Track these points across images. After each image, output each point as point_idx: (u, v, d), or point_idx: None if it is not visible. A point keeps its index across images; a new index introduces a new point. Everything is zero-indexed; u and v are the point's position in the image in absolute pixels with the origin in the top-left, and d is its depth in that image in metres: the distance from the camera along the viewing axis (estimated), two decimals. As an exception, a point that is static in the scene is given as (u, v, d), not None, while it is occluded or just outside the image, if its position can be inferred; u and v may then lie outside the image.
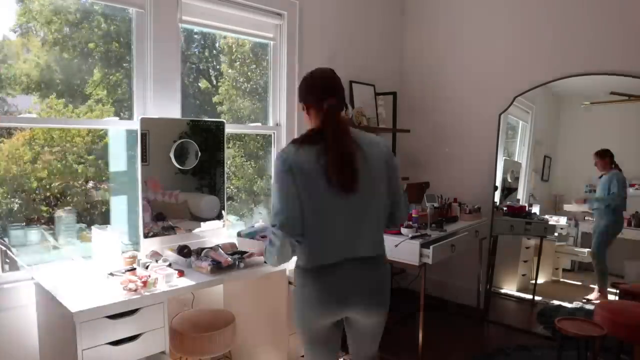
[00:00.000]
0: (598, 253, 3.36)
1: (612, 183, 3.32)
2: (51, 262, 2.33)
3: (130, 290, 1.91)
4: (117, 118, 2.64)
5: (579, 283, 3.50)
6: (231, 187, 3.26)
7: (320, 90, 1.68)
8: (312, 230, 1.64)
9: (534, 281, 3.64)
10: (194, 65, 3.16)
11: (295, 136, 3.32)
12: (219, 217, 2.83)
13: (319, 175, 1.59)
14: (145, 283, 1.95)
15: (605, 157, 3.35)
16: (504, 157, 3.73)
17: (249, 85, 3.35)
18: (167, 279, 2.06)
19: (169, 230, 2.60)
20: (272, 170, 2.23)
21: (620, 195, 3.30)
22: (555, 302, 3.49)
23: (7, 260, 2.24)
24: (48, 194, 2.49)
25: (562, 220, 3.49)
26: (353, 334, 1.86)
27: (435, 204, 3.23)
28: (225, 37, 3.21)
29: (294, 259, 1.77)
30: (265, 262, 2.10)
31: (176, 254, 2.43)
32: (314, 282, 1.68)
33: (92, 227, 2.39)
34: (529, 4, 3.53)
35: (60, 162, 2.51)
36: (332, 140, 1.59)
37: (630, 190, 3.20)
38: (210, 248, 2.46)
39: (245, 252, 2.46)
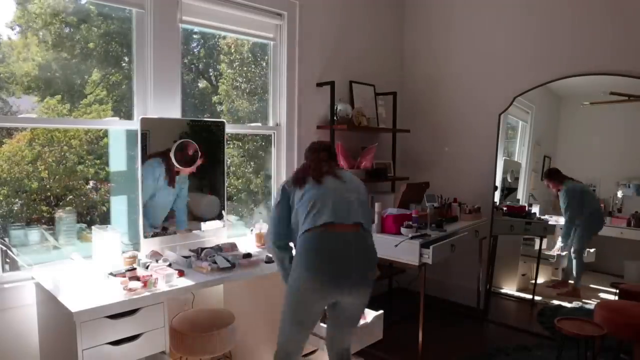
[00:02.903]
0: (580, 252, 3.41)
1: (563, 200, 3.43)
2: (51, 262, 2.33)
3: (130, 290, 1.91)
4: (117, 118, 2.64)
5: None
6: (231, 187, 3.26)
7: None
8: None
9: (534, 281, 3.64)
10: (194, 66, 3.16)
11: (295, 136, 3.33)
12: (219, 217, 2.83)
13: None
14: (145, 283, 1.96)
15: (553, 177, 3.44)
16: (504, 157, 3.73)
17: (248, 86, 3.35)
18: (167, 279, 2.07)
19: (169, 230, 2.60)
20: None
21: (570, 207, 3.40)
22: (555, 302, 3.50)
23: (8, 260, 2.24)
24: (48, 194, 2.49)
25: (562, 220, 3.49)
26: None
27: (435, 204, 3.23)
28: (225, 37, 3.21)
29: None
30: None
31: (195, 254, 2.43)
32: None
33: (93, 227, 2.39)
34: (529, 4, 3.53)
35: (61, 162, 2.51)
36: None
37: (630, 188, 3.20)
38: (211, 248, 2.47)
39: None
